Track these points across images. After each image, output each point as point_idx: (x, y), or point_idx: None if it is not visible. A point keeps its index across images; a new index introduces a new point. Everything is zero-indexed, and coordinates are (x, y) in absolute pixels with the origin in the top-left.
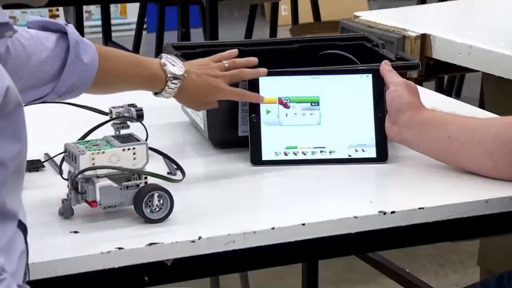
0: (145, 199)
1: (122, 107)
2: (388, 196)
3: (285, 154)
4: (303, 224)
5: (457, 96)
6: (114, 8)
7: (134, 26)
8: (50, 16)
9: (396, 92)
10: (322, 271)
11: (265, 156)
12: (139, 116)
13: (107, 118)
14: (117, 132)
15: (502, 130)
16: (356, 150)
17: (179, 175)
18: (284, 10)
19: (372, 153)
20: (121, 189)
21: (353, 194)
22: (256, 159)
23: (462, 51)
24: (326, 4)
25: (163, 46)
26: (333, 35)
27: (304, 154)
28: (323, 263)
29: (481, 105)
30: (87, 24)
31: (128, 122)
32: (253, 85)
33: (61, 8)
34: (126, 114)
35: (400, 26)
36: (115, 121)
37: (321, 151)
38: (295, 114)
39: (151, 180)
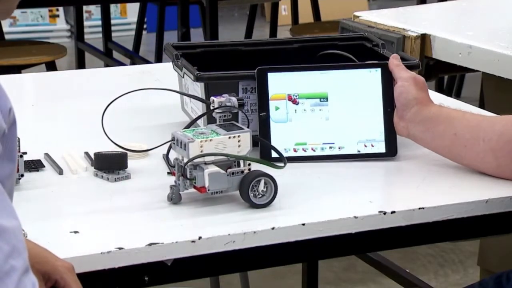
0: (251, 185)
1: (223, 96)
2: (388, 196)
3: (295, 150)
4: (303, 224)
5: (457, 96)
6: (114, 8)
7: (134, 26)
8: (50, 16)
9: (403, 87)
10: (322, 271)
11: (274, 153)
12: (241, 105)
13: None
14: (220, 121)
15: (506, 128)
16: (365, 146)
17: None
18: (284, 10)
19: (381, 148)
20: (228, 175)
21: (353, 194)
22: (266, 156)
23: (462, 51)
24: (326, 4)
25: (163, 46)
26: (333, 35)
27: (314, 151)
28: (323, 263)
29: (481, 105)
30: (87, 24)
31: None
32: (262, 82)
33: (61, 8)
34: (227, 104)
35: (400, 26)
36: (217, 110)
37: (330, 147)
38: (304, 110)
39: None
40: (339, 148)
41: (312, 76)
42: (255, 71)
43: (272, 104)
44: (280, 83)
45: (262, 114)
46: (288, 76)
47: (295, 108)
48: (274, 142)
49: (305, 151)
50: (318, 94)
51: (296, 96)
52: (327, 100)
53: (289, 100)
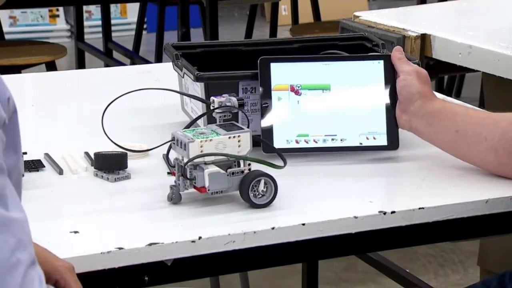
0: (251, 185)
1: (223, 96)
2: (388, 196)
3: (297, 142)
4: (303, 224)
5: (457, 96)
6: (114, 8)
7: (134, 26)
8: (50, 16)
9: (406, 80)
10: (322, 271)
11: (276, 144)
12: (241, 105)
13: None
14: (220, 121)
15: (509, 127)
16: (367, 138)
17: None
18: (284, 10)
19: (383, 141)
20: (228, 175)
21: (353, 194)
22: (268, 148)
23: (462, 51)
24: (326, 4)
25: (163, 46)
26: (333, 35)
27: (316, 142)
28: (323, 263)
29: (481, 105)
30: (87, 24)
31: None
32: (265, 72)
33: (61, 8)
34: (227, 104)
35: (400, 26)
36: (217, 110)
37: (332, 139)
38: (307, 101)
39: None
40: (341, 140)
41: (315, 67)
42: (258, 61)
43: (274, 95)
44: (282, 73)
45: (264, 104)
46: (291, 66)
47: (297, 99)
48: (276, 133)
49: (307, 142)
50: (321, 86)
51: (298, 87)
52: (329, 92)
53: (291, 91)
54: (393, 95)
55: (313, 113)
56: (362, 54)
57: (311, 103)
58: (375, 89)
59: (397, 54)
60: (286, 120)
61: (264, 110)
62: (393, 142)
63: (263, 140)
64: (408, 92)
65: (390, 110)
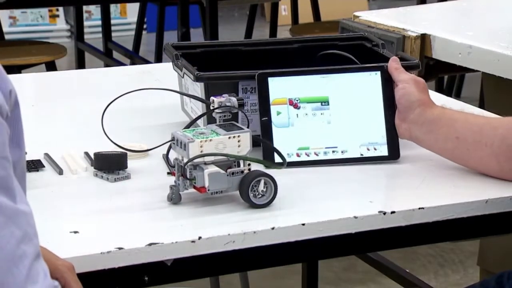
0: (251, 185)
1: (223, 96)
2: (388, 196)
3: (298, 155)
4: (303, 224)
5: (457, 96)
6: (114, 8)
7: (134, 26)
8: (50, 16)
9: (404, 89)
10: (322, 271)
11: (278, 159)
12: (240, 105)
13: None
14: (220, 121)
15: (508, 133)
16: (368, 149)
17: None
18: (284, 10)
19: (383, 151)
20: (228, 175)
21: (353, 194)
22: (269, 159)
23: (462, 51)
24: (326, 4)
25: (163, 46)
26: (333, 35)
27: (317, 155)
28: (323, 263)
29: (481, 105)
30: (87, 24)
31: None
32: (263, 87)
33: (61, 8)
34: (227, 104)
35: (400, 26)
36: (217, 110)
37: (333, 151)
38: (306, 114)
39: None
40: (342, 152)
41: (313, 80)
42: (256, 76)
43: (273, 109)
44: (280, 87)
45: (264, 119)
46: (289, 80)
47: (296, 113)
48: (276, 147)
49: (308, 155)
50: (319, 98)
51: (297, 100)
52: (328, 104)
53: (290, 104)
54: (392, 105)
55: (313, 126)
56: (359, 66)
57: (310, 116)
58: (373, 99)
59: (393, 64)
60: (286, 134)
61: (263, 124)
62: (394, 152)
63: (261, 139)
64: (407, 100)
65: (389, 120)
